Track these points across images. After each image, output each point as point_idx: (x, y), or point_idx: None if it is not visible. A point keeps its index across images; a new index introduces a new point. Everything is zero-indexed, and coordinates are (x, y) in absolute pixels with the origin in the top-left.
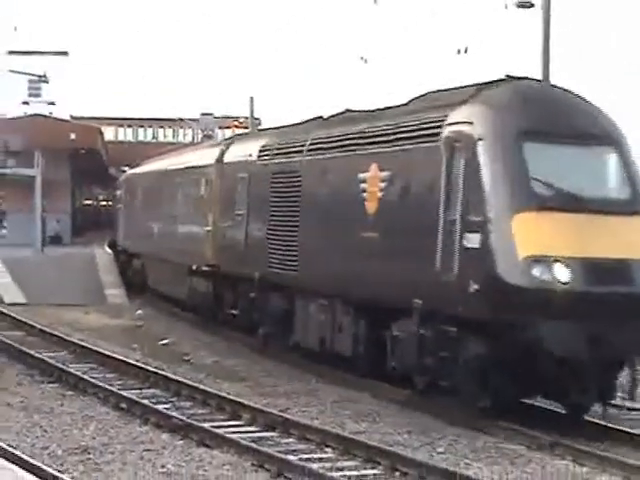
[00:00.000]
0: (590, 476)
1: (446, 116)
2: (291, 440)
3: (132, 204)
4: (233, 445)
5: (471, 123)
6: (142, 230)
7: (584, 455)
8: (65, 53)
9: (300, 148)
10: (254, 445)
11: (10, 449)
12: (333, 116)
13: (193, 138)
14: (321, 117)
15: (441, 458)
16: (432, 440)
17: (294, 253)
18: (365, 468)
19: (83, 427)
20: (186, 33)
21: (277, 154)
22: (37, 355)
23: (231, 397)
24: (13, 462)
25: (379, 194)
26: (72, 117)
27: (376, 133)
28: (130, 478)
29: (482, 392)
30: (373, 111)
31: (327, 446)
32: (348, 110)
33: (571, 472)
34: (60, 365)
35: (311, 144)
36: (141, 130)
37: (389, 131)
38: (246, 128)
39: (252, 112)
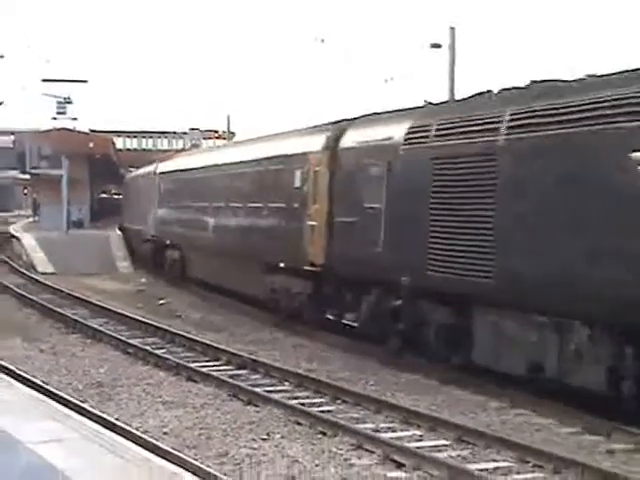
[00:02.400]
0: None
1: None
2: (258, 376)
3: (172, 196)
4: (214, 380)
5: None
6: (188, 222)
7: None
8: (85, 81)
9: (493, 125)
10: (230, 380)
11: (42, 384)
12: (507, 89)
13: (184, 146)
14: (489, 91)
15: (372, 389)
16: (366, 376)
17: (488, 257)
18: (315, 397)
19: (99, 367)
20: (176, 62)
21: (443, 135)
22: (63, 312)
23: (212, 344)
24: (44, 394)
25: None
26: (91, 130)
27: None
28: (135, 406)
29: None
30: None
31: (286, 381)
32: (533, 82)
33: (472, 400)
34: (81, 320)
35: (514, 119)
36: (144, 140)
37: None
38: (225, 139)
39: (229, 126)
